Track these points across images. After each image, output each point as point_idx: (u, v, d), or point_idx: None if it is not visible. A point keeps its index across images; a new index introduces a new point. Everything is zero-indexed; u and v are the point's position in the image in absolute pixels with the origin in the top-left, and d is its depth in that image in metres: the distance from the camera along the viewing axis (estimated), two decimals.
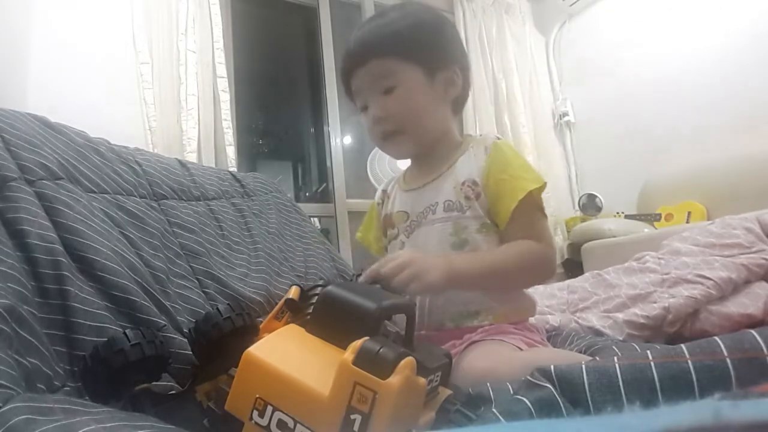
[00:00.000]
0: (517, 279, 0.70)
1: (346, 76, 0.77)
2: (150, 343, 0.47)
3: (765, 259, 0.98)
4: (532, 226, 0.70)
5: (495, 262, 0.67)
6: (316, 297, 0.47)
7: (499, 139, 0.76)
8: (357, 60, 0.74)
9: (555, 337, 0.87)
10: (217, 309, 0.47)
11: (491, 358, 0.58)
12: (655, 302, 0.97)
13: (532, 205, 0.70)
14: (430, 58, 0.73)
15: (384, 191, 0.87)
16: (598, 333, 0.96)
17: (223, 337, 0.46)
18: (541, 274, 0.72)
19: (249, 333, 0.49)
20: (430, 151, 0.78)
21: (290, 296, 0.51)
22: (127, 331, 0.46)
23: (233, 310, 0.48)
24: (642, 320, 0.94)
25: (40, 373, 0.45)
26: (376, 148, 1.93)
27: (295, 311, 0.50)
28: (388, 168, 1.94)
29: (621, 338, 0.91)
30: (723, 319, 0.91)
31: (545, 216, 0.73)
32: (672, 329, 0.94)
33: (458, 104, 0.80)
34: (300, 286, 0.53)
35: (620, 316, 0.98)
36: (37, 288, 0.53)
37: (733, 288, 0.94)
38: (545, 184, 0.70)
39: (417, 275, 0.58)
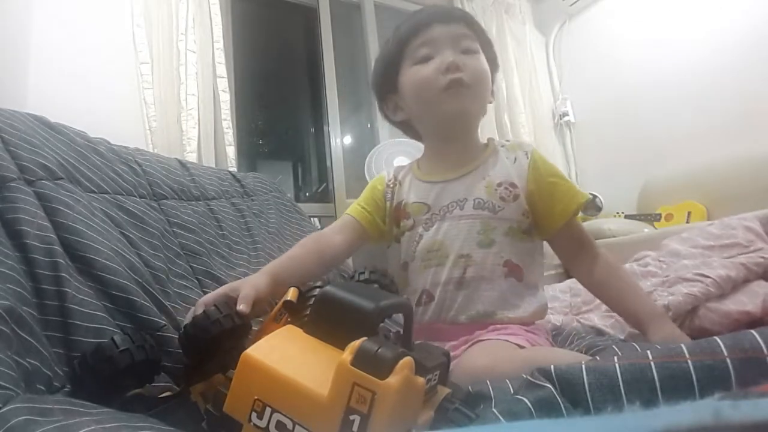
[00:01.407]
0: None
1: (420, 27, 0.75)
2: (139, 347, 0.47)
3: (763, 257, 0.98)
4: (584, 231, 0.76)
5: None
6: (314, 298, 0.47)
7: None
8: (446, 16, 0.75)
9: (555, 336, 0.87)
10: (205, 312, 0.47)
11: (491, 355, 0.58)
12: (655, 300, 0.97)
13: (577, 213, 0.74)
14: (493, 57, 0.79)
15: (395, 177, 0.84)
16: (600, 332, 0.97)
17: (214, 339, 0.46)
18: None
19: (240, 332, 0.49)
20: (458, 137, 0.78)
21: (288, 298, 0.51)
22: (115, 337, 0.46)
23: (221, 312, 0.47)
24: None
25: (40, 374, 0.45)
26: (376, 148, 1.94)
27: (293, 313, 0.50)
28: (384, 167, 1.94)
29: (623, 337, 0.91)
30: (722, 316, 0.91)
31: None
32: None
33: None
34: (298, 288, 0.53)
35: None
36: (36, 289, 0.53)
37: (732, 286, 0.94)
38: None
39: None
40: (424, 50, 0.74)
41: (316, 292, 0.48)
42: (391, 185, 0.82)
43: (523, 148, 0.77)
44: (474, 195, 0.73)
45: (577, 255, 0.74)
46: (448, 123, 0.77)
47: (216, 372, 0.45)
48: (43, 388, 0.45)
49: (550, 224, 0.73)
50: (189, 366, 0.49)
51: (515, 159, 0.76)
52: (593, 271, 0.72)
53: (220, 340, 0.46)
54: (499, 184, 0.73)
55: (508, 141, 0.82)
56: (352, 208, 0.83)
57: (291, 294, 0.51)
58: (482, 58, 0.75)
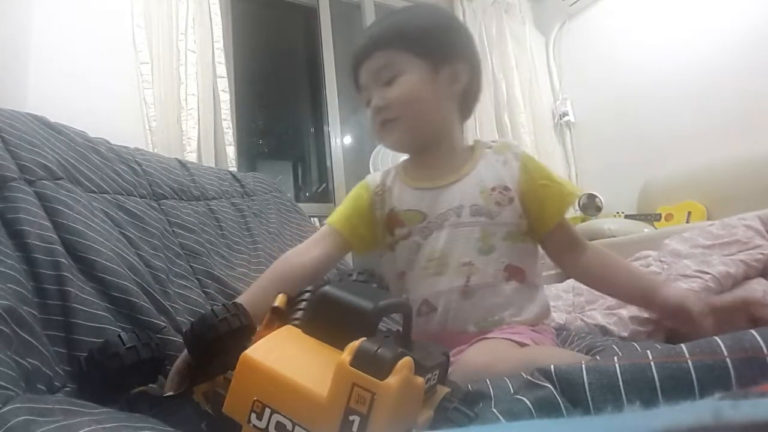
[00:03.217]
0: None
1: (354, 74, 0.77)
2: (145, 345, 0.46)
3: (763, 254, 0.98)
4: (573, 228, 0.76)
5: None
6: (304, 303, 0.46)
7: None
8: (362, 55, 0.75)
9: (558, 335, 0.87)
10: (212, 310, 0.47)
11: (490, 353, 0.58)
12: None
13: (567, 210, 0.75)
14: (433, 51, 0.73)
15: (382, 183, 0.81)
16: (603, 330, 0.97)
17: (219, 339, 0.46)
18: None
19: (246, 333, 0.48)
20: (432, 147, 0.76)
21: (276, 304, 0.50)
22: (121, 334, 0.46)
23: (228, 311, 0.47)
24: (646, 315, 0.95)
25: (40, 374, 0.45)
26: (379, 147, 1.93)
27: (283, 319, 0.49)
28: (390, 164, 1.94)
29: (626, 334, 0.92)
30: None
31: None
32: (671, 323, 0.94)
33: (466, 107, 0.80)
34: (286, 293, 0.52)
35: (624, 312, 0.99)
36: (37, 288, 0.53)
37: (732, 283, 0.95)
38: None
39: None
40: (365, 96, 0.77)
41: (306, 296, 0.48)
42: (380, 192, 0.79)
43: (512, 150, 0.76)
44: (470, 201, 0.72)
45: (569, 253, 0.75)
46: (404, 150, 0.81)
47: (219, 373, 0.45)
48: (43, 387, 0.45)
49: (541, 226, 0.73)
50: (193, 366, 0.49)
51: (505, 161, 0.75)
52: (588, 265, 0.73)
53: (225, 339, 0.46)
54: (494, 189, 0.72)
55: (494, 142, 0.80)
56: (334, 218, 0.80)
57: (279, 300, 0.50)
58: (404, 78, 0.72)
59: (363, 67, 0.75)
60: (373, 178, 0.83)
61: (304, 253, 0.76)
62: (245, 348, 0.37)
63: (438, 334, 0.70)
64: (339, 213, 0.81)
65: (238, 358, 0.36)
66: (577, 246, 0.75)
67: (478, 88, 0.80)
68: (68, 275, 0.55)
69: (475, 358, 0.57)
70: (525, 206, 0.73)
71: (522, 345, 0.62)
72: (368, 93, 0.76)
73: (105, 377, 0.44)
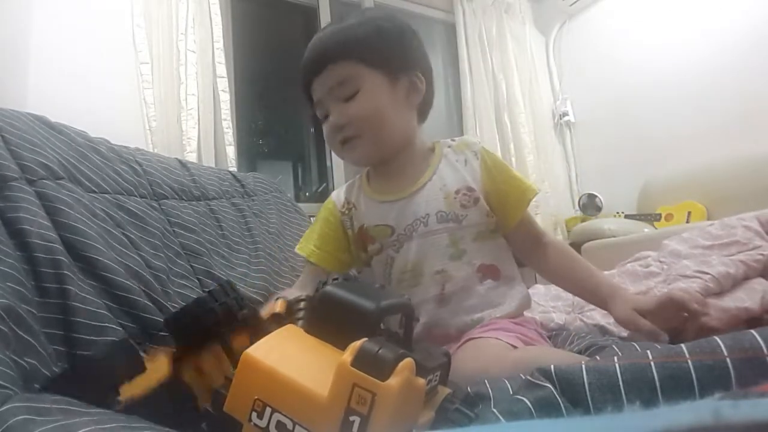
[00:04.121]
0: None
1: (306, 88, 0.74)
2: (234, 299, 0.45)
3: (762, 254, 0.98)
4: (535, 223, 0.78)
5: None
6: (302, 308, 0.46)
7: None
8: (314, 68, 0.71)
9: (556, 336, 0.87)
10: (209, 292, 0.44)
11: (481, 358, 0.58)
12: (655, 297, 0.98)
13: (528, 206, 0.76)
14: (390, 62, 0.71)
15: (347, 200, 0.79)
16: (603, 330, 0.97)
17: (205, 330, 0.43)
18: None
19: (245, 327, 0.47)
20: (394, 158, 0.75)
21: (277, 311, 0.49)
22: (209, 290, 0.45)
23: (215, 299, 0.44)
24: None
25: (38, 374, 0.45)
26: None
27: (281, 325, 0.48)
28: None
29: (626, 334, 0.92)
30: (720, 312, 0.91)
31: None
32: None
33: (423, 111, 0.78)
34: (285, 298, 0.51)
35: None
36: (38, 287, 0.53)
37: (732, 283, 0.95)
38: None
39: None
40: (320, 111, 0.74)
41: (302, 305, 0.47)
42: (346, 211, 0.78)
43: (471, 148, 0.75)
44: (435, 209, 0.71)
45: (532, 248, 0.76)
46: (366, 165, 0.80)
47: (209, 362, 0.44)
48: (40, 387, 0.45)
49: (504, 224, 0.74)
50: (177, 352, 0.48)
51: (465, 161, 0.74)
52: (548, 260, 0.75)
53: (214, 332, 0.44)
54: (457, 192, 0.72)
55: (454, 141, 0.78)
56: (308, 252, 0.78)
57: (279, 306, 0.49)
58: (363, 94, 0.69)
59: (317, 81, 0.71)
60: (338, 196, 0.82)
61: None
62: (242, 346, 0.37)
63: (425, 338, 0.70)
64: (311, 245, 0.79)
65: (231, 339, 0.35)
66: (539, 241, 0.76)
67: (432, 92, 0.78)
68: (69, 273, 0.56)
69: (466, 364, 0.57)
70: (490, 204, 0.73)
71: (512, 344, 0.62)
72: (324, 107, 0.72)
73: (193, 332, 0.43)
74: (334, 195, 0.83)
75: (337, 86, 0.70)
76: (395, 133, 0.73)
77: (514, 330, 0.65)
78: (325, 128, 0.74)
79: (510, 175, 0.75)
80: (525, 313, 0.74)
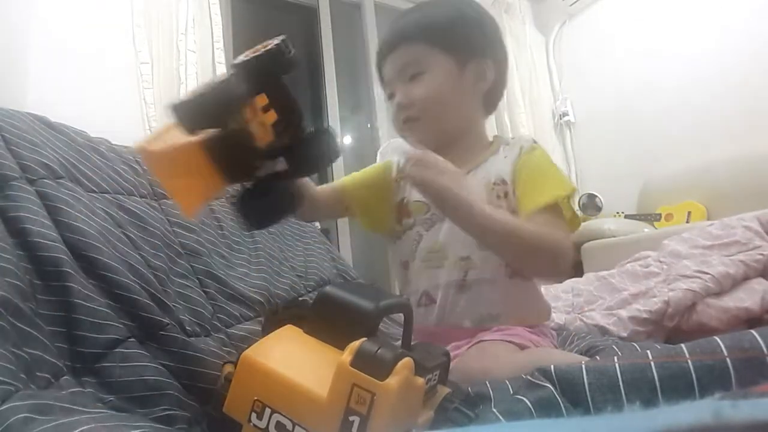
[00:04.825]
0: (518, 252, 0.64)
1: (379, 66, 0.77)
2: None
3: (762, 254, 0.98)
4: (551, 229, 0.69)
5: (507, 220, 0.63)
6: (293, 313, 0.46)
7: (535, 142, 0.75)
8: (387, 47, 0.74)
9: (557, 336, 0.87)
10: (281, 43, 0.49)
11: (488, 358, 0.58)
12: (655, 297, 0.98)
13: (556, 213, 0.66)
14: (460, 47, 0.71)
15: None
16: (603, 330, 0.97)
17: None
18: (548, 263, 0.65)
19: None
20: (454, 143, 0.75)
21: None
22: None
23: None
24: (645, 315, 0.95)
25: (43, 362, 0.45)
26: (387, 143, 1.93)
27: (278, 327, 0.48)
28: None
29: (625, 334, 0.92)
30: (720, 311, 0.91)
31: (567, 226, 0.69)
32: (671, 323, 0.94)
33: (491, 102, 0.79)
34: (276, 306, 0.50)
35: (623, 312, 0.99)
36: (39, 286, 0.53)
37: (732, 283, 0.95)
38: (574, 190, 0.70)
39: (436, 172, 0.61)
40: (388, 89, 0.76)
41: (294, 310, 0.47)
42: (398, 179, 0.79)
43: (520, 143, 0.75)
44: (474, 195, 0.70)
45: None
46: (426, 147, 0.77)
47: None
48: (47, 375, 0.45)
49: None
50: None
51: (509, 156, 0.74)
52: None
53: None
54: (495, 183, 0.72)
55: (513, 138, 0.79)
56: (348, 180, 0.81)
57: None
58: (429, 76, 0.71)
59: (388, 60, 0.74)
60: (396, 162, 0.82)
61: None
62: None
63: (435, 328, 0.70)
64: (355, 178, 0.82)
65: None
66: None
67: (504, 83, 0.78)
68: (70, 271, 0.55)
69: (472, 363, 0.57)
70: (516, 200, 0.71)
71: (521, 347, 0.62)
72: (392, 87, 0.74)
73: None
74: (395, 160, 0.83)
75: (405, 66, 0.72)
76: (455, 119, 0.74)
77: (527, 336, 0.65)
78: (392, 105, 0.75)
79: (533, 174, 0.70)
80: (543, 323, 0.73)
